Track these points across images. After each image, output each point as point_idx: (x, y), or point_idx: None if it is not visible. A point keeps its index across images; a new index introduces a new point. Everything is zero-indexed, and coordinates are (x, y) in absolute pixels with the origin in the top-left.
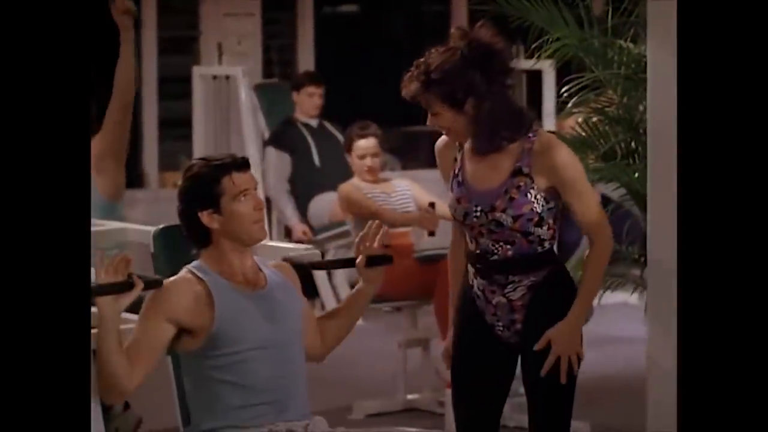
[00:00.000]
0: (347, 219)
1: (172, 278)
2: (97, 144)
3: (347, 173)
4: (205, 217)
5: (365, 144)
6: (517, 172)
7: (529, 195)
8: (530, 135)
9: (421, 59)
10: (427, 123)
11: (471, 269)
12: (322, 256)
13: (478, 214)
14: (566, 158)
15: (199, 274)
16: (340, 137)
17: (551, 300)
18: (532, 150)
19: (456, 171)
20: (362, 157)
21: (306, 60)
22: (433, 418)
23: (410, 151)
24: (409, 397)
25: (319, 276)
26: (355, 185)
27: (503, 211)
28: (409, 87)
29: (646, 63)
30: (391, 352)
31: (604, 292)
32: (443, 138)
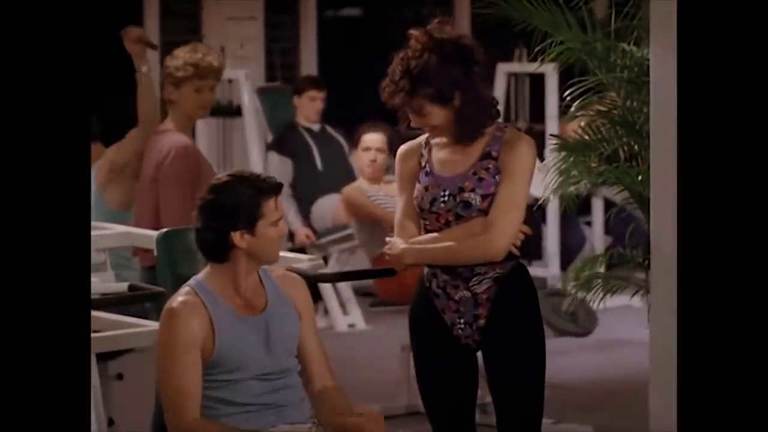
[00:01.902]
0: (350, 222)
1: (179, 303)
2: (114, 157)
3: (350, 177)
4: (237, 236)
5: (371, 137)
6: (486, 156)
7: (497, 177)
8: (502, 125)
9: (396, 68)
10: (412, 125)
11: (427, 269)
12: (325, 259)
13: (446, 198)
14: (524, 151)
15: (202, 297)
16: (342, 141)
17: (515, 294)
18: (503, 138)
19: (423, 165)
20: (367, 149)
21: (308, 63)
22: None
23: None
24: (412, 400)
25: None
26: (359, 187)
27: (472, 190)
28: (396, 97)
29: (648, 66)
30: (394, 355)
31: (605, 295)
32: (409, 143)
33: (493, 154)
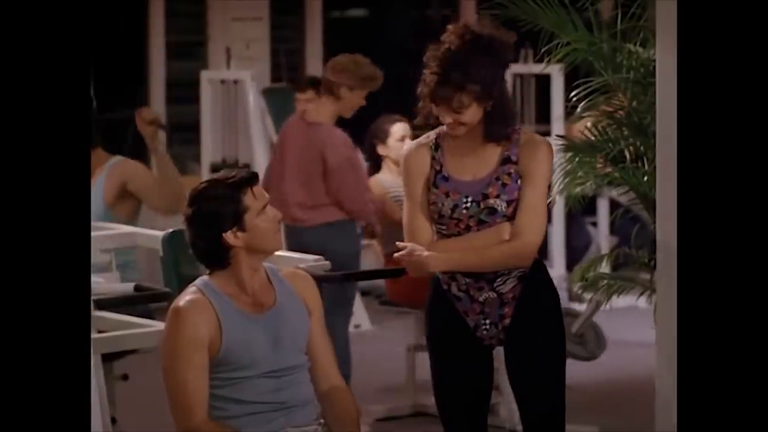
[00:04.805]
0: None
1: (186, 302)
2: (127, 183)
3: None
4: (230, 236)
5: (402, 127)
6: (506, 161)
7: (519, 182)
8: (516, 127)
9: (440, 62)
10: (446, 121)
11: (445, 273)
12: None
13: (469, 204)
14: (545, 154)
15: (209, 297)
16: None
17: (540, 291)
18: (519, 141)
19: (438, 169)
20: (402, 138)
21: (314, 64)
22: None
23: None
24: (418, 401)
25: None
26: (380, 181)
27: (497, 196)
28: (442, 90)
29: (655, 67)
30: (400, 356)
31: (611, 296)
32: (416, 143)
33: (513, 158)
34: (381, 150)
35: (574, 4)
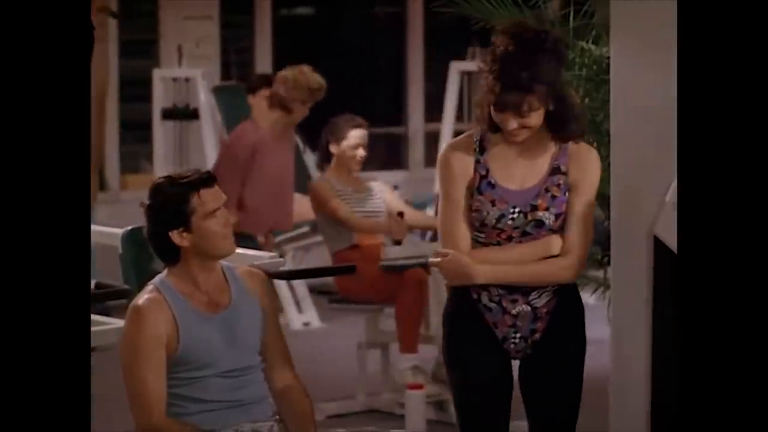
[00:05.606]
0: (313, 216)
1: (144, 301)
2: None
3: (305, 175)
4: (176, 236)
5: (360, 134)
6: (555, 171)
7: (566, 194)
8: None
9: (503, 65)
10: (510, 127)
11: None
12: (281, 257)
13: (516, 215)
14: (595, 164)
15: (165, 295)
16: (297, 139)
17: (572, 306)
18: (569, 150)
19: (483, 174)
20: (356, 146)
21: (264, 62)
22: (393, 419)
23: (368, 152)
24: (369, 399)
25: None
26: (329, 182)
27: (546, 209)
28: (510, 95)
29: (607, 65)
30: (350, 353)
31: None
32: (456, 143)
33: (562, 168)
34: (333, 149)
35: (527, 2)
